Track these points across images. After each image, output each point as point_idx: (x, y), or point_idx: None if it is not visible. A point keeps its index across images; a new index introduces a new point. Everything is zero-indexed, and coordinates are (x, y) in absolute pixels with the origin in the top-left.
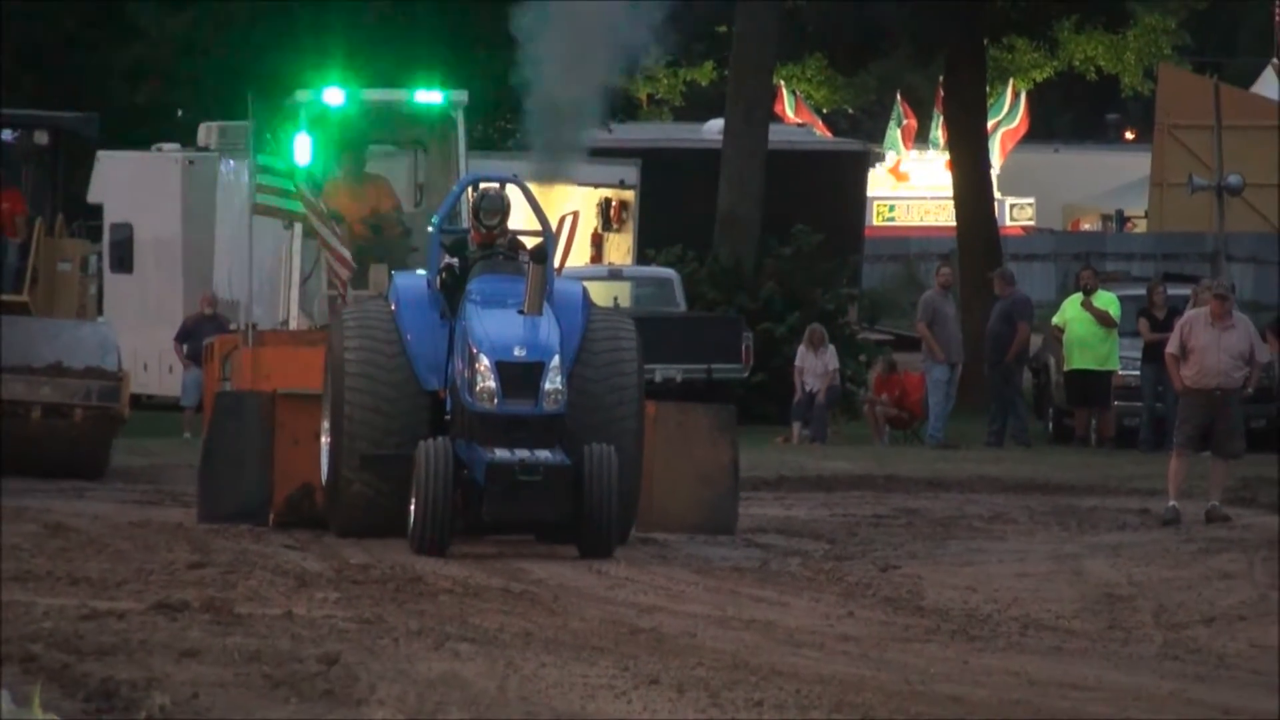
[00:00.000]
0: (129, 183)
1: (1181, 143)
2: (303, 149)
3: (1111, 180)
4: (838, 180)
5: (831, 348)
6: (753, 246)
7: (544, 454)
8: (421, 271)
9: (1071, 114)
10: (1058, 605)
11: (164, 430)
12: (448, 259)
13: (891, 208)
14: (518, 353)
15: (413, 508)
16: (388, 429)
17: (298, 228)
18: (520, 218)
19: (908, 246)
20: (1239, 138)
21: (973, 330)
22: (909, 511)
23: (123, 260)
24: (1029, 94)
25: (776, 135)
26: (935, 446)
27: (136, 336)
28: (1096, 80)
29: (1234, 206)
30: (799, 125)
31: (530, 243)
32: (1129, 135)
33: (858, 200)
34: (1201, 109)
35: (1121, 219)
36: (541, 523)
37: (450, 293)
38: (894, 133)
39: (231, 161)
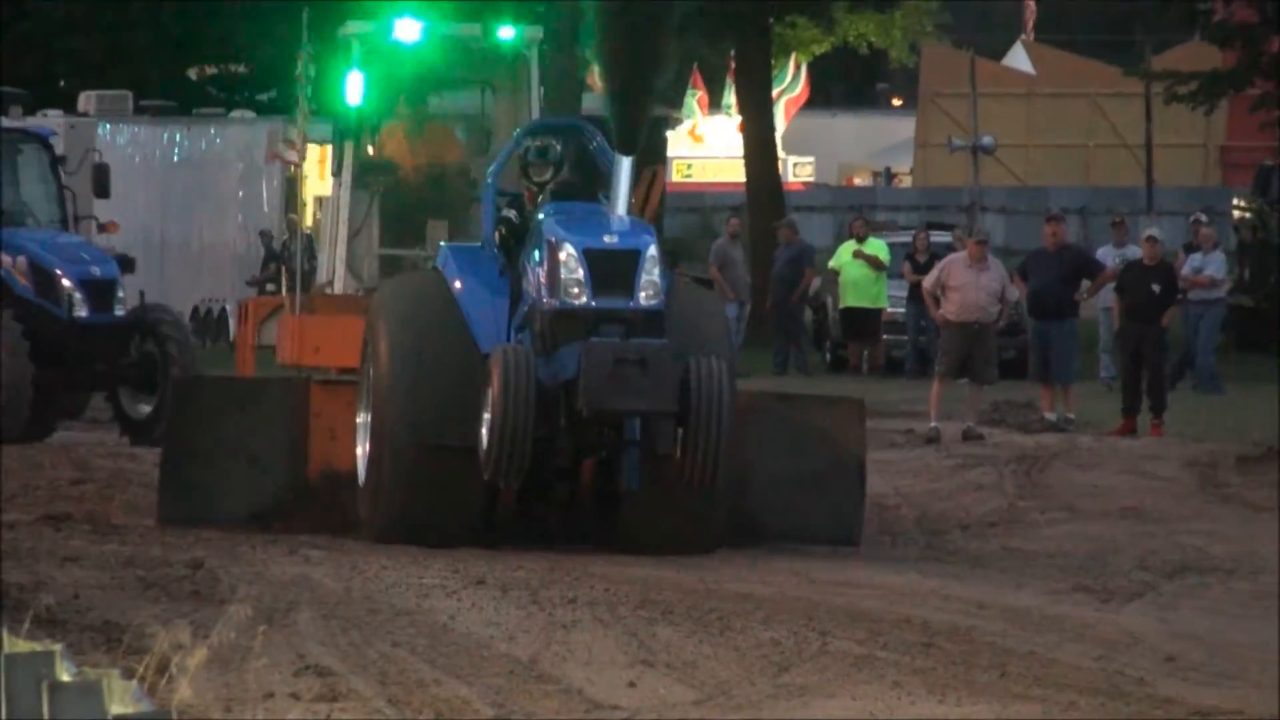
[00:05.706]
0: None
1: (942, 109)
2: (355, 88)
3: (881, 141)
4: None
5: None
6: None
7: (644, 340)
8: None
9: (846, 83)
10: None
11: None
12: (505, 211)
13: (689, 166)
14: (608, 240)
15: (485, 427)
16: (441, 415)
17: (346, 177)
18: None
19: (703, 200)
20: (992, 104)
21: (760, 273)
22: None
23: None
24: (809, 66)
25: (588, 103)
26: None
27: None
28: (868, 54)
29: (987, 164)
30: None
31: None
32: (896, 102)
33: (659, 159)
34: (959, 79)
35: (889, 175)
36: (647, 413)
37: (510, 244)
38: (691, 100)
39: (109, 125)
